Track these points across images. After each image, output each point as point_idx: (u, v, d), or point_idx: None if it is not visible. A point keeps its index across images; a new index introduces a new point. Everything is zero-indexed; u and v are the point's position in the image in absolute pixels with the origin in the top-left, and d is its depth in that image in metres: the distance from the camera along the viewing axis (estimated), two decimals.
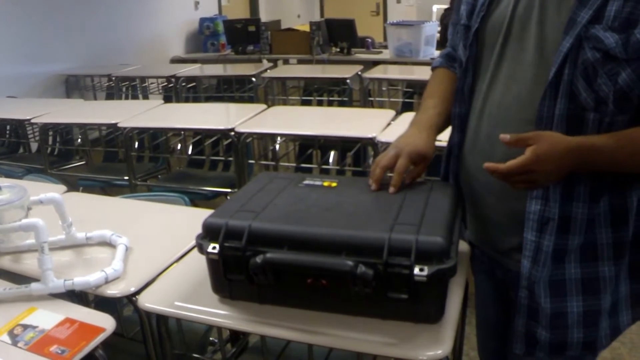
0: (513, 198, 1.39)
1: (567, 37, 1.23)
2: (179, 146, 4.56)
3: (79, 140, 4.96)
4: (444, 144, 1.66)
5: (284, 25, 8.76)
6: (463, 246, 1.68)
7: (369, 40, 7.36)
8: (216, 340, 2.12)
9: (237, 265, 1.39)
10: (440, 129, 1.61)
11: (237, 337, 2.09)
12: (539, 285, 1.35)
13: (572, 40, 1.22)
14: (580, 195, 1.30)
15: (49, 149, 4.78)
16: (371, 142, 3.27)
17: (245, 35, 7.81)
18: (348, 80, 5.42)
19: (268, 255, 1.33)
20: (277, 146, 4.40)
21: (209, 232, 1.43)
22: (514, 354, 1.51)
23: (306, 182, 1.63)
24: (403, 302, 1.31)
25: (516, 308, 1.45)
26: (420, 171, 1.56)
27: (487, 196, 1.48)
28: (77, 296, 1.87)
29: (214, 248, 1.39)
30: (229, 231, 1.39)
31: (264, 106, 4.18)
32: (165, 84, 6.39)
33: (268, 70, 6.09)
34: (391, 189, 1.49)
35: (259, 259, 1.33)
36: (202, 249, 1.42)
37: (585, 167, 1.25)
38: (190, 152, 4.42)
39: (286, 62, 7.99)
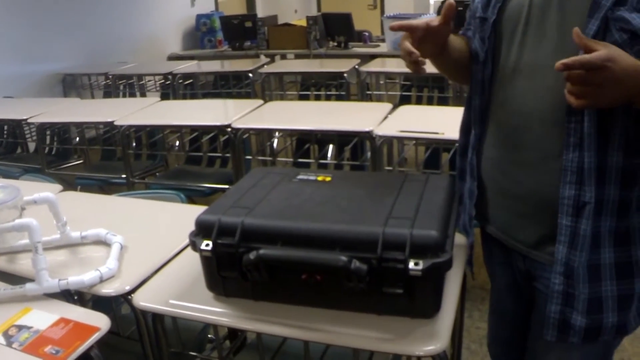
0: (543, 187, 1.38)
1: (593, 20, 1.22)
2: (176, 143, 4.54)
3: (77, 139, 4.94)
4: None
5: (280, 21, 8.73)
6: (460, 239, 1.67)
7: (366, 34, 7.34)
8: (214, 338, 2.11)
9: (230, 262, 1.38)
10: (452, 43, 1.53)
11: (234, 334, 2.08)
12: (578, 271, 1.35)
13: (599, 23, 1.21)
14: (612, 179, 1.30)
15: (47, 149, 4.77)
16: (368, 136, 3.27)
17: (242, 31, 7.79)
18: (345, 75, 5.40)
19: (261, 251, 1.32)
20: (275, 141, 4.39)
21: (202, 229, 1.42)
22: (537, 343, 1.53)
23: (300, 177, 1.62)
24: (398, 297, 1.30)
25: (542, 297, 1.46)
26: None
27: (514, 187, 1.46)
28: (74, 296, 1.86)
29: (207, 245, 1.39)
30: (222, 228, 1.39)
31: (261, 102, 4.16)
32: (163, 81, 6.38)
33: (265, 66, 6.07)
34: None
35: (252, 255, 1.33)
36: (195, 246, 1.41)
37: None
38: (187, 149, 4.41)
39: (283, 57, 7.96)
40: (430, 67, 1.57)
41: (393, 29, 1.42)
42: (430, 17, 1.45)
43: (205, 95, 6.14)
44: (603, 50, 1.13)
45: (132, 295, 1.61)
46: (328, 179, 1.59)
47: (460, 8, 1.50)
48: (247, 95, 5.87)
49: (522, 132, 1.40)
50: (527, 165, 1.41)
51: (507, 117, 1.45)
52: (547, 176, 1.37)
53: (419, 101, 5.17)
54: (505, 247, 1.58)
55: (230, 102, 4.77)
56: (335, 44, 7.21)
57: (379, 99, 5.59)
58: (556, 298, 1.40)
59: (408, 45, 1.39)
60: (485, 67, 1.50)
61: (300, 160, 3.87)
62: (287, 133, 4.17)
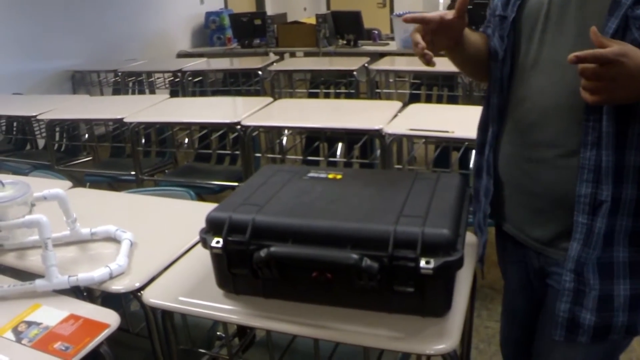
0: (560, 185, 1.38)
1: (612, 18, 1.22)
2: (185, 140, 4.54)
3: (86, 136, 4.95)
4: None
5: (290, 18, 8.73)
6: (471, 238, 1.67)
7: (376, 32, 7.33)
8: (223, 335, 2.11)
9: (241, 260, 1.38)
10: (467, 39, 1.53)
11: (244, 331, 2.07)
12: (588, 267, 1.34)
13: (618, 22, 1.21)
14: (630, 178, 1.29)
15: (56, 145, 4.77)
16: (378, 134, 3.25)
17: (251, 28, 7.79)
18: (355, 73, 5.39)
19: (272, 249, 1.32)
20: (284, 139, 4.39)
21: (213, 227, 1.42)
22: (542, 342, 1.52)
23: (310, 174, 1.61)
24: (409, 295, 1.30)
25: (553, 295, 1.44)
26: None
27: (530, 184, 1.46)
28: (83, 292, 1.86)
29: (217, 242, 1.39)
30: (232, 225, 1.38)
31: (270, 99, 4.16)
32: (172, 78, 6.39)
33: (274, 64, 6.06)
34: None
35: (263, 253, 1.32)
36: (206, 243, 1.41)
37: None
38: (197, 146, 4.41)
39: (292, 55, 7.96)
40: (439, 65, 1.56)
41: (407, 21, 1.42)
42: (444, 11, 1.45)
43: (215, 93, 6.14)
44: (617, 46, 1.13)
45: (142, 292, 1.61)
46: (339, 176, 1.59)
47: (470, 6, 1.49)
48: (257, 93, 5.87)
49: (539, 129, 1.40)
50: (544, 163, 1.40)
51: (525, 114, 1.44)
52: (564, 174, 1.36)
53: (428, 99, 5.16)
54: (519, 245, 1.57)
55: (240, 100, 4.77)
56: (345, 42, 7.20)
57: (389, 97, 5.57)
58: (566, 296, 1.39)
59: (416, 36, 1.40)
60: (504, 65, 1.49)
61: (310, 158, 3.86)
62: (296, 131, 4.16)
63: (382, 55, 6.33)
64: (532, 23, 1.41)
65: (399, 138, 3.40)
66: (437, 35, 1.42)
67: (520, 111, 1.46)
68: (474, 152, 1.70)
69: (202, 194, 3.78)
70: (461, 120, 3.26)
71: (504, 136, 1.53)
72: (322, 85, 5.75)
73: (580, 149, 1.31)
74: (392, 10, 11.36)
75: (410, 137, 3.53)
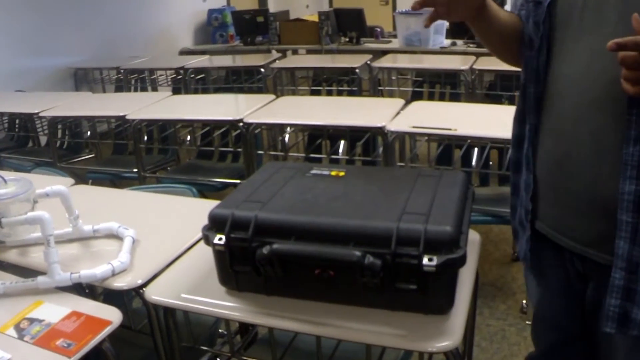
0: (602, 183, 1.31)
1: None
2: (188, 138, 4.55)
3: (88, 133, 4.95)
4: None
5: (292, 16, 8.72)
6: (473, 236, 1.66)
7: (378, 29, 7.32)
8: (225, 333, 2.11)
9: (243, 257, 1.38)
10: (491, 12, 1.49)
11: (246, 329, 2.07)
12: None
13: None
14: None
15: (58, 143, 4.78)
16: (380, 132, 3.25)
17: (253, 26, 7.79)
18: (357, 70, 5.40)
19: (275, 246, 1.32)
20: (287, 136, 4.39)
21: (215, 223, 1.42)
22: (596, 335, 1.47)
23: (313, 171, 1.61)
24: (412, 292, 1.30)
25: (604, 290, 1.36)
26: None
27: (571, 182, 1.39)
28: (86, 289, 1.86)
29: (220, 239, 1.39)
30: (235, 222, 1.38)
31: (272, 96, 4.17)
32: (174, 75, 6.38)
33: (277, 61, 6.06)
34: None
35: (265, 250, 1.32)
36: (208, 240, 1.41)
37: None
38: (199, 143, 4.41)
39: (295, 52, 7.96)
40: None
41: None
42: None
43: (217, 90, 6.14)
44: None
45: (144, 289, 1.61)
46: (342, 173, 1.58)
47: None
48: (259, 90, 5.86)
49: (579, 123, 1.33)
50: (584, 158, 1.33)
51: (563, 106, 1.38)
52: (605, 170, 1.30)
53: (431, 97, 5.15)
54: (558, 247, 1.50)
55: (242, 97, 4.76)
56: (347, 39, 7.21)
57: (391, 94, 5.58)
58: (614, 292, 1.32)
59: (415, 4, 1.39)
60: (540, 54, 1.43)
61: (312, 155, 3.86)
62: (298, 128, 4.16)
63: (384, 52, 6.33)
64: (569, 9, 1.35)
65: (401, 135, 3.39)
66: (453, 3, 1.40)
67: (558, 104, 1.40)
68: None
69: (204, 191, 3.77)
70: (464, 118, 3.26)
71: (542, 130, 1.46)
72: (324, 82, 5.75)
73: (623, 145, 1.24)
74: (394, 7, 11.33)
75: (412, 135, 3.52)
